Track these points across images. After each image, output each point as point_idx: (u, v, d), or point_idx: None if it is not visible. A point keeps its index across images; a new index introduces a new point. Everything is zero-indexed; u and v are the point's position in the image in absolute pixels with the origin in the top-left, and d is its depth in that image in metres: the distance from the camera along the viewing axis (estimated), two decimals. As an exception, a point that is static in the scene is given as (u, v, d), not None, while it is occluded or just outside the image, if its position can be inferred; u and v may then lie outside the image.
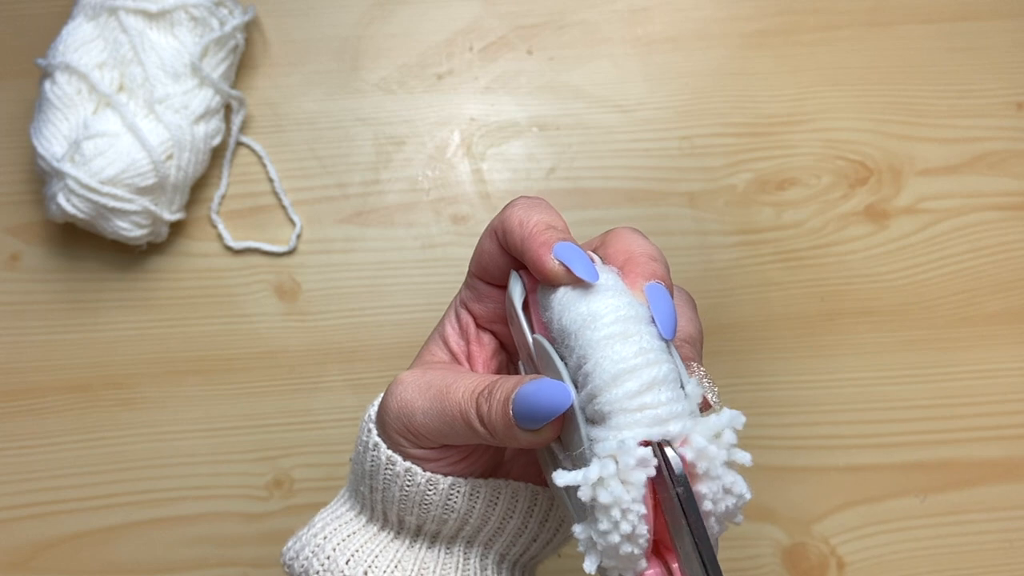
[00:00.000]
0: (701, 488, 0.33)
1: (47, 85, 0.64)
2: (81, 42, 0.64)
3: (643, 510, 0.31)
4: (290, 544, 0.43)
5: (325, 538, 0.41)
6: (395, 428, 0.37)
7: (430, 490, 0.38)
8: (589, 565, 0.32)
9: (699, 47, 0.72)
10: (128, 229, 0.63)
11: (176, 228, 0.67)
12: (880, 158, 0.70)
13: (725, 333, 0.66)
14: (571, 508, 0.35)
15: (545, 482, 0.39)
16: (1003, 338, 0.66)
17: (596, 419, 0.32)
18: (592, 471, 0.31)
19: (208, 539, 0.62)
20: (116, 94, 0.64)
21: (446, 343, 0.40)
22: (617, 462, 0.31)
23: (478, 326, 0.40)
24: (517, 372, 0.40)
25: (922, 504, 0.63)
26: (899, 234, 0.68)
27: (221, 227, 0.67)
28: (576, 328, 0.33)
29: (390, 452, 0.38)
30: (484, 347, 0.40)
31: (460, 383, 0.36)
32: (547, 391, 0.33)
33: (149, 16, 0.65)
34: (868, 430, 0.64)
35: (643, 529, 0.31)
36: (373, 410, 0.40)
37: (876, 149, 0.70)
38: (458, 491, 0.38)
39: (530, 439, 0.34)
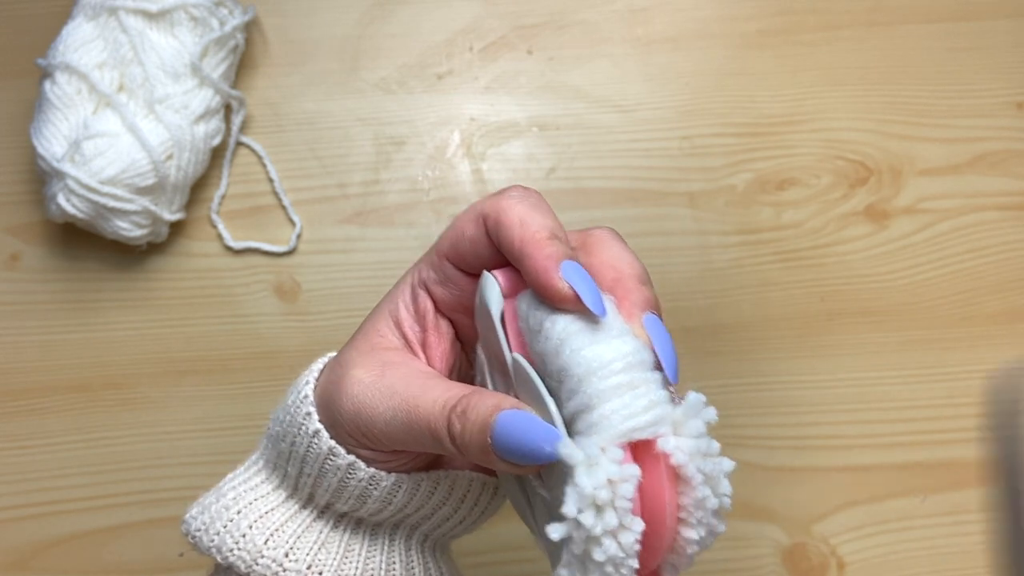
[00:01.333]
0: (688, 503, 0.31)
1: (47, 85, 0.64)
2: (81, 42, 0.64)
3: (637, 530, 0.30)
4: (194, 512, 0.39)
5: (239, 512, 0.37)
6: (347, 428, 0.35)
7: (371, 486, 0.36)
8: None
9: (699, 47, 0.72)
10: (128, 229, 0.63)
11: (176, 228, 0.67)
12: (880, 158, 0.70)
13: (725, 333, 0.66)
14: (544, 545, 0.33)
15: (482, 470, 0.38)
16: (1003, 338, 0.66)
17: None
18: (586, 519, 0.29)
19: (208, 539, 0.62)
20: (116, 94, 0.64)
21: (399, 325, 0.37)
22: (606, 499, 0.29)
23: (437, 311, 0.37)
24: (473, 365, 0.38)
25: (922, 504, 0.63)
26: (899, 234, 0.68)
27: (221, 227, 0.67)
28: (582, 372, 0.30)
29: (333, 443, 0.35)
30: (442, 337, 0.37)
31: (428, 395, 0.33)
32: (534, 434, 0.30)
33: (149, 16, 0.65)
34: (868, 430, 0.64)
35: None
36: (309, 387, 0.37)
37: (876, 149, 0.70)
38: (400, 487, 0.36)
39: (508, 469, 0.32)
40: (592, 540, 0.29)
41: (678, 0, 0.73)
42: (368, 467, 0.36)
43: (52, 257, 0.67)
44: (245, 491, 0.39)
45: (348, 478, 0.36)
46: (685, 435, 0.30)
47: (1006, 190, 0.69)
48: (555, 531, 0.30)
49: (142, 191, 0.63)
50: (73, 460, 0.63)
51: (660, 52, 0.72)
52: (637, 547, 0.30)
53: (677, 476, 0.31)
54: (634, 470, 0.29)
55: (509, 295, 0.34)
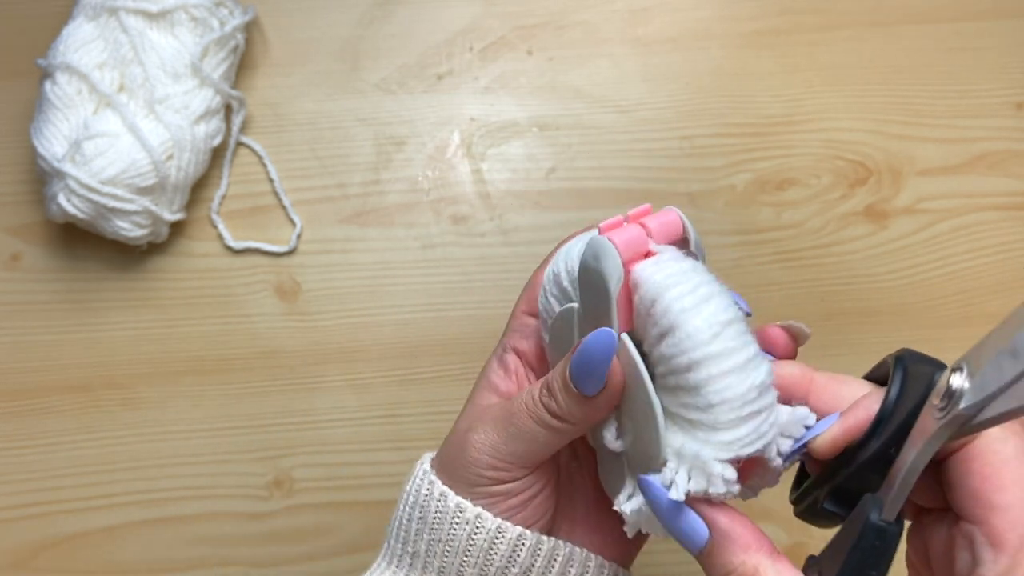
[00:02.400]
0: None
1: (47, 85, 0.64)
2: (81, 42, 0.65)
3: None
4: None
5: None
6: (480, 469, 0.37)
7: (497, 538, 0.37)
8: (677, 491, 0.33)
9: (699, 47, 0.72)
10: (128, 229, 0.63)
11: (176, 228, 0.67)
12: (880, 158, 0.70)
13: (725, 333, 0.66)
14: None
15: (602, 551, 0.40)
16: (1003, 338, 0.66)
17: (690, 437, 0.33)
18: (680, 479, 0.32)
19: (208, 539, 0.62)
20: (116, 94, 0.64)
21: (495, 390, 0.40)
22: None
23: (526, 363, 0.40)
24: None
25: (922, 504, 0.63)
26: (899, 234, 0.68)
27: (221, 227, 0.67)
28: (714, 400, 0.32)
29: (459, 499, 0.38)
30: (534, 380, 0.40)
31: (519, 400, 0.37)
32: (597, 339, 0.34)
33: (149, 16, 0.65)
34: (868, 430, 0.64)
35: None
36: (427, 464, 0.40)
37: (876, 149, 0.70)
38: (524, 543, 0.38)
39: (602, 401, 0.34)
40: None
41: (678, 0, 0.73)
42: (495, 518, 0.37)
43: (52, 257, 0.67)
44: None
45: (476, 532, 0.37)
46: (784, 439, 0.34)
47: (1006, 190, 0.69)
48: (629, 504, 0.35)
49: (142, 191, 0.63)
50: (73, 460, 0.63)
51: (660, 52, 0.72)
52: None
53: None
54: (736, 489, 0.33)
55: (626, 263, 0.34)
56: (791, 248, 0.68)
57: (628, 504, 0.35)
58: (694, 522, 0.34)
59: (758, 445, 0.32)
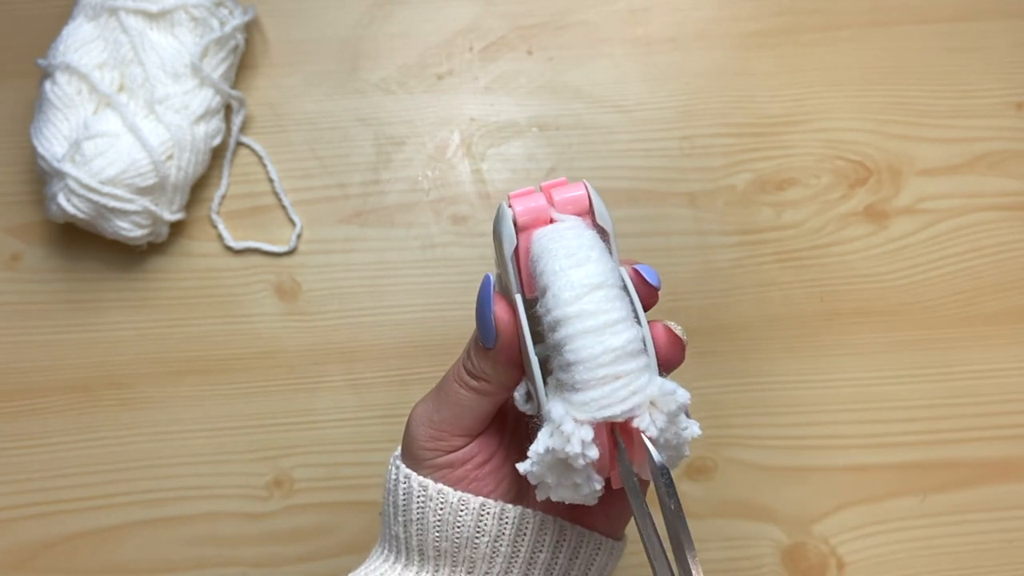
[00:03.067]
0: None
1: (47, 85, 0.64)
2: (81, 42, 0.65)
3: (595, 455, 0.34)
4: None
5: None
6: (421, 441, 0.39)
7: (462, 509, 0.39)
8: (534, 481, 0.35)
9: (699, 47, 0.72)
10: (128, 229, 0.63)
11: (176, 228, 0.67)
12: (880, 158, 0.70)
13: (725, 333, 0.66)
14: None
15: (572, 517, 0.40)
16: (1003, 338, 0.66)
17: (562, 377, 0.34)
18: (542, 444, 0.34)
19: (208, 539, 0.62)
20: (116, 94, 0.64)
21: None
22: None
23: None
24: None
25: (922, 504, 0.63)
26: (899, 234, 0.68)
27: (221, 227, 0.67)
28: (576, 359, 0.34)
29: (420, 478, 0.39)
30: None
31: (450, 368, 0.39)
32: (481, 287, 0.37)
33: (149, 16, 0.65)
34: (868, 430, 0.64)
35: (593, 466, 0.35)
36: (397, 451, 0.42)
37: (876, 149, 0.70)
38: (488, 511, 0.39)
39: (500, 353, 0.37)
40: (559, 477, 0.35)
41: (678, 0, 0.73)
42: (456, 491, 0.39)
43: (52, 257, 0.67)
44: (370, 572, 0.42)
45: (441, 508, 0.39)
46: (658, 413, 0.34)
47: (1006, 190, 0.69)
48: (525, 465, 0.35)
49: (142, 191, 0.63)
50: (73, 460, 0.63)
51: (660, 52, 0.72)
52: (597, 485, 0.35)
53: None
54: (593, 452, 0.34)
55: (523, 229, 0.37)
56: (791, 248, 0.68)
57: (521, 464, 0.36)
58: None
59: (614, 410, 0.33)
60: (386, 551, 0.42)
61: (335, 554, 0.62)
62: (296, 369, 0.65)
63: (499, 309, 0.36)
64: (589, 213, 0.37)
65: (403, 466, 0.40)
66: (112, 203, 0.61)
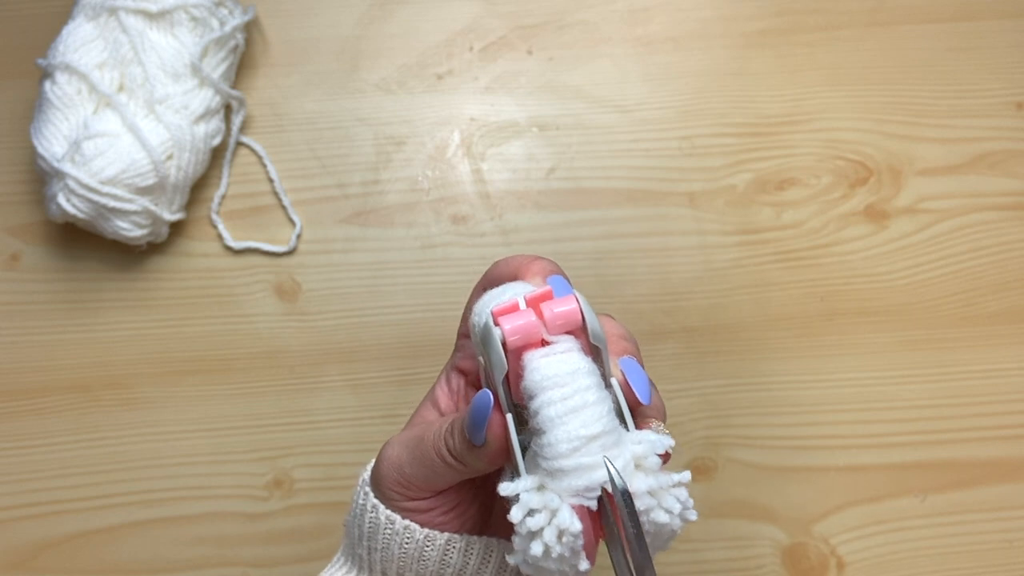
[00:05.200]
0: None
1: (47, 85, 0.64)
2: (81, 42, 0.64)
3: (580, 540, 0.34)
4: None
5: None
6: (389, 484, 0.39)
7: (428, 546, 0.39)
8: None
9: (699, 47, 0.72)
10: (128, 229, 0.63)
11: (176, 228, 0.67)
12: (880, 158, 0.70)
13: (725, 333, 0.66)
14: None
15: None
16: (1003, 338, 0.66)
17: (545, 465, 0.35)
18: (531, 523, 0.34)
19: (208, 539, 0.62)
20: (116, 94, 0.64)
21: (436, 405, 0.42)
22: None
23: (468, 384, 0.42)
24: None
25: (922, 504, 0.63)
26: (899, 234, 0.68)
27: (221, 227, 0.67)
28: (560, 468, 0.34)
29: (388, 511, 0.39)
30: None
31: (432, 427, 0.39)
32: (478, 398, 0.36)
33: (149, 16, 0.65)
34: (868, 430, 0.64)
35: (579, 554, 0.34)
36: (367, 474, 0.42)
37: (876, 149, 0.70)
38: (454, 547, 0.40)
39: (484, 455, 0.36)
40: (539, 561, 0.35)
41: (678, 0, 0.73)
42: (423, 528, 0.39)
43: (52, 257, 0.67)
44: None
45: (407, 543, 0.39)
46: (644, 474, 0.34)
47: (1006, 190, 0.69)
48: (512, 556, 0.35)
49: (142, 191, 0.63)
50: (73, 460, 0.63)
51: (660, 52, 0.72)
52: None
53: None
54: (577, 528, 0.33)
55: (512, 350, 0.36)
56: (791, 248, 0.68)
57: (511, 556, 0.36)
58: None
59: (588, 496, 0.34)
60: (349, 563, 0.43)
61: (334, 554, 0.62)
62: (296, 369, 0.65)
63: (495, 425, 0.35)
64: (582, 331, 0.35)
65: (371, 495, 0.40)
66: (112, 203, 0.61)
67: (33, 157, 0.64)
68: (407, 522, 0.39)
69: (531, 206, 0.68)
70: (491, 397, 0.35)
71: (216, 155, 0.68)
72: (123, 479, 0.63)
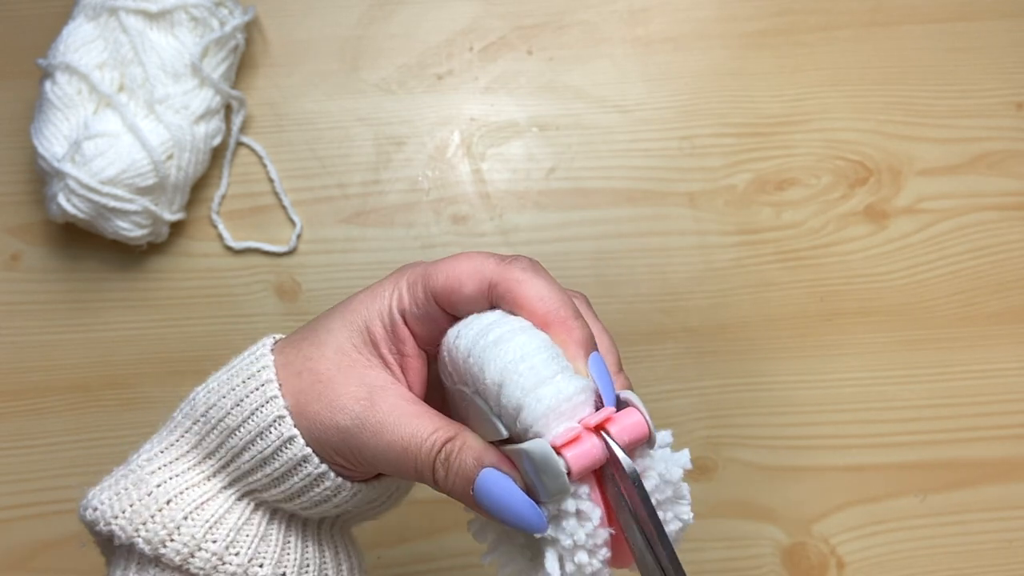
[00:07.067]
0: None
1: (47, 85, 0.64)
2: (81, 42, 0.64)
3: (598, 516, 0.32)
4: (103, 498, 0.39)
5: (170, 502, 0.37)
6: (330, 449, 0.35)
7: (332, 493, 0.36)
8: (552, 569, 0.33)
9: (699, 47, 0.72)
10: (128, 229, 0.63)
11: (176, 228, 0.67)
12: (880, 158, 0.70)
13: (725, 333, 0.66)
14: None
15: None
16: (1003, 338, 0.66)
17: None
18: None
19: (208, 539, 0.62)
20: (116, 94, 0.64)
21: (375, 345, 0.37)
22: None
23: (431, 358, 0.38)
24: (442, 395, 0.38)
25: (922, 504, 0.63)
26: (899, 234, 0.68)
27: (221, 227, 0.67)
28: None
29: (309, 451, 0.36)
30: (420, 361, 0.37)
31: (415, 434, 0.34)
32: (517, 505, 0.32)
33: (149, 16, 0.65)
34: (868, 430, 0.64)
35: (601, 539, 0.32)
36: (273, 386, 0.37)
37: (876, 149, 0.70)
38: (356, 495, 0.37)
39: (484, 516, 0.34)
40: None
41: (678, 0, 0.73)
42: (336, 477, 0.36)
43: (52, 257, 0.67)
44: (173, 476, 0.38)
45: (314, 485, 0.36)
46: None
47: (1006, 190, 0.69)
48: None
49: (142, 191, 0.63)
50: (73, 460, 0.63)
51: (660, 52, 0.72)
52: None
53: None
54: (605, 553, 0.32)
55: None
56: (791, 248, 0.68)
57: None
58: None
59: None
60: (199, 455, 0.39)
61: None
62: (296, 369, 0.65)
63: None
64: (649, 441, 0.33)
65: (289, 420, 0.36)
66: (112, 203, 0.61)
67: (33, 157, 0.64)
68: (324, 467, 0.36)
69: (531, 206, 0.68)
70: (541, 518, 0.32)
71: (216, 155, 0.68)
72: (123, 479, 0.63)
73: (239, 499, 0.38)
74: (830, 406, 0.64)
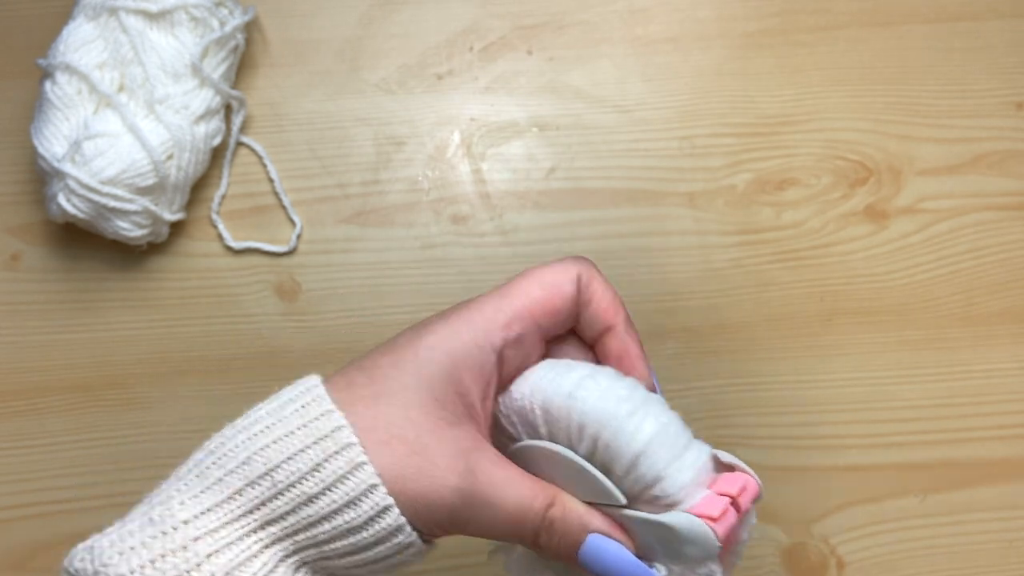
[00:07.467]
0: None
1: (47, 85, 0.64)
2: (81, 42, 0.65)
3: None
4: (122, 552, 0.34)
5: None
6: (435, 523, 0.34)
7: (413, 557, 0.35)
8: None
9: (699, 47, 0.72)
10: (128, 229, 0.63)
11: (176, 228, 0.67)
12: (880, 158, 0.70)
13: (725, 333, 0.66)
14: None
15: None
16: (1003, 338, 0.66)
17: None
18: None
19: (208, 539, 0.62)
20: (116, 94, 0.64)
21: (462, 396, 0.35)
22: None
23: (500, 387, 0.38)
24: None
25: (922, 504, 0.63)
26: (899, 234, 0.68)
27: (221, 227, 0.67)
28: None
29: (402, 520, 0.34)
30: (491, 401, 0.37)
31: (515, 500, 0.34)
32: (628, 568, 0.34)
33: (149, 16, 0.65)
34: (868, 430, 0.64)
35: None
36: (357, 449, 0.34)
37: (876, 149, 0.70)
38: (427, 552, 0.36)
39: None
40: None
41: (678, 0, 0.73)
42: (421, 543, 0.35)
43: (52, 257, 0.67)
44: (227, 544, 0.35)
45: (399, 552, 0.35)
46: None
47: (1006, 190, 0.69)
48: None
49: (142, 191, 0.63)
50: (73, 460, 0.63)
51: (660, 52, 0.72)
52: None
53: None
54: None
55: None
56: (791, 248, 0.68)
57: None
58: None
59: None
60: (244, 514, 0.35)
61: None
62: (296, 369, 0.65)
63: None
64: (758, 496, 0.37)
65: (383, 488, 0.34)
66: (112, 203, 0.61)
67: (33, 157, 0.64)
68: (414, 536, 0.34)
69: (531, 206, 0.68)
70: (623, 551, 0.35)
71: (216, 155, 0.68)
72: (123, 479, 0.63)
73: (297, 569, 0.35)
74: (830, 406, 0.64)
